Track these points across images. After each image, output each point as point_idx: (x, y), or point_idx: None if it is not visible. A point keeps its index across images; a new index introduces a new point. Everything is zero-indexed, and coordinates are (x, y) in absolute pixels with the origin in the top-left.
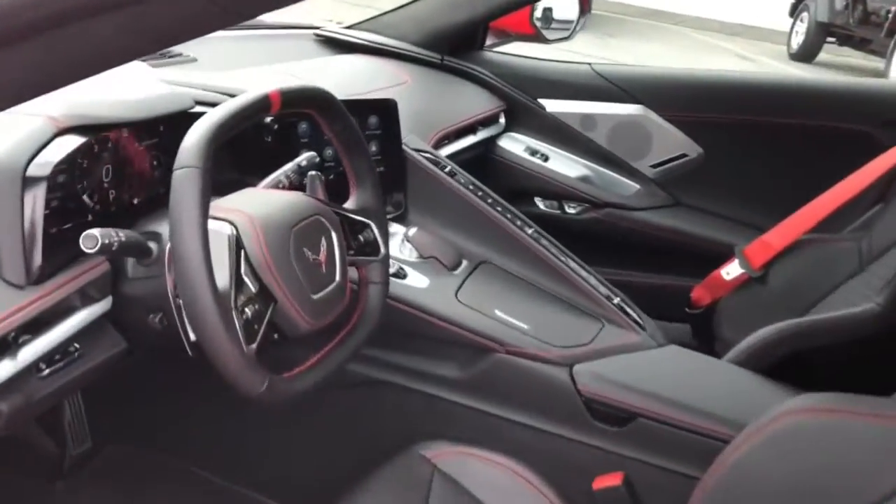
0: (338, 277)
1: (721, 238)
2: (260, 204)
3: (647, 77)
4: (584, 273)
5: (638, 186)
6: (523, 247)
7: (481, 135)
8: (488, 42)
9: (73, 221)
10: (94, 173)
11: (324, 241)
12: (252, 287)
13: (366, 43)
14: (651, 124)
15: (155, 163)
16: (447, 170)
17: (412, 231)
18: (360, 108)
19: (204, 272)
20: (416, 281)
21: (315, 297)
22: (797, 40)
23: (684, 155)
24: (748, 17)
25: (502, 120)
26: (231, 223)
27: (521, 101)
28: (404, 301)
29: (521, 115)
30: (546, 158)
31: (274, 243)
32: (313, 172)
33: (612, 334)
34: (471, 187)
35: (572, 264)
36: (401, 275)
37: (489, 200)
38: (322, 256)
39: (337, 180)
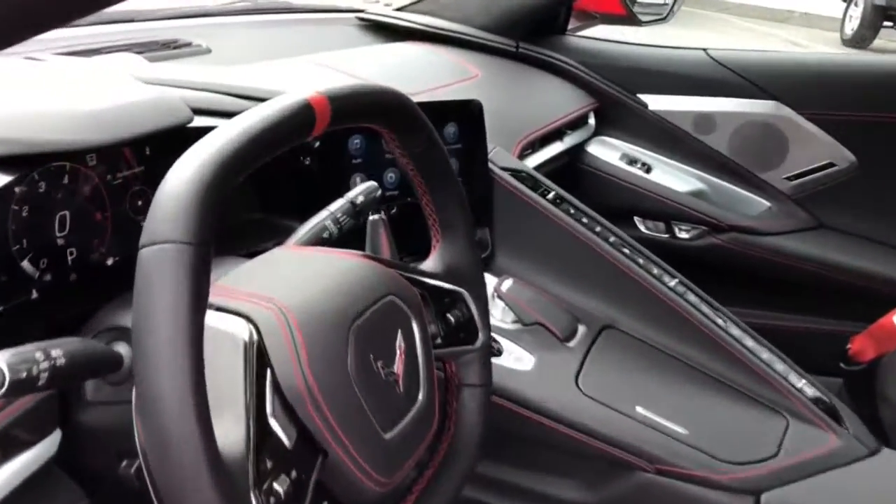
0: (422, 395)
1: (877, 270)
2: (297, 280)
3: (784, 65)
4: (750, 343)
5: (769, 204)
6: (664, 305)
7: (569, 141)
8: (570, 26)
9: (4, 304)
10: (39, 225)
11: (400, 338)
12: (286, 438)
13: (422, 28)
14: (787, 125)
15: (140, 203)
16: (550, 195)
17: (507, 284)
18: (433, 114)
19: (192, 428)
20: (517, 360)
21: (389, 436)
22: (851, 25)
23: (830, 164)
24: (794, 3)
25: (592, 121)
26: (249, 320)
27: (616, 97)
28: (503, 393)
29: (617, 115)
30: (648, 169)
31: (324, 355)
32: (375, 217)
33: (804, 437)
34: (584, 220)
35: (734, 330)
36: (494, 351)
37: (611, 239)
38: (399, 365)
39: (401, 215)
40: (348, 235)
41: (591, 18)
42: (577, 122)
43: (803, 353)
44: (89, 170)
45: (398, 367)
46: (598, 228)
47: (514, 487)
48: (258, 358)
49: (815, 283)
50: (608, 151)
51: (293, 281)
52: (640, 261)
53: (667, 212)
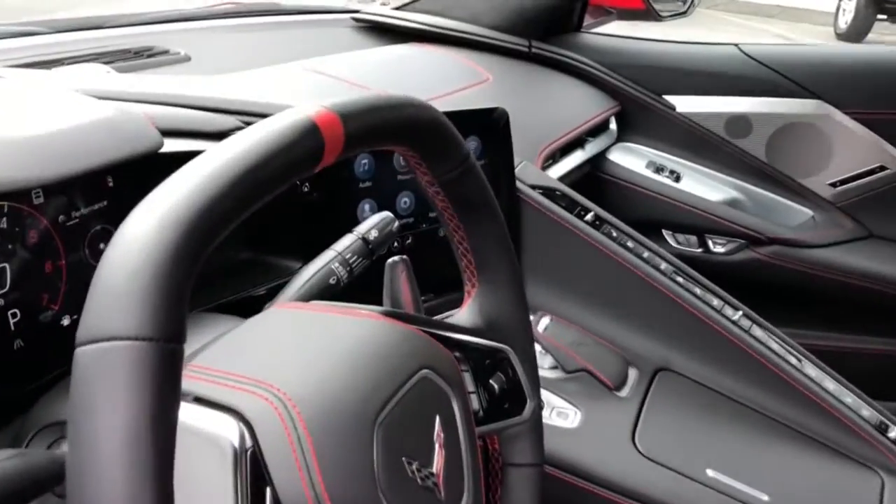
0: (467, 496)
1: None
2: (304, 357)
3: (826, 59)
4: (831, 386)
5: (812, 214)
6: (727, 342)
7: (591, 149)
8: (585, 22)
9: None
10: None
11: (439, 426)
12: None
13: (425, 28)
14: (832, 126)
15: (102, 246)
16: (588, 217)
17: (543, 323)
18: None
19: None
20: (561, 415)
21: None
22: (845, 19)
23: (880, 168)
24: None
25: (613, 126)
26: (238, 416)
27: (640, 98)
28: (551, 459)
29: (641, 119)
30: (678, 177)
31: (342, 463)
32: (396, 260)
33: None
34: (630, 245)
35: (811, 370)
36: None
37: (662, 267)
38: (438, 462)
39: (416, 246)
40: (359, 279)
41: (606, 14)
42: (598, 128)
43: (856, 377)
44: (34, 210)
45: (437, 464)
46: (646, 254)
47: None
48: (252, 469)
49: (867, 299)
50: (632, 159)
51: (297, 358)
52: (698, 291)
53: (699, 224)
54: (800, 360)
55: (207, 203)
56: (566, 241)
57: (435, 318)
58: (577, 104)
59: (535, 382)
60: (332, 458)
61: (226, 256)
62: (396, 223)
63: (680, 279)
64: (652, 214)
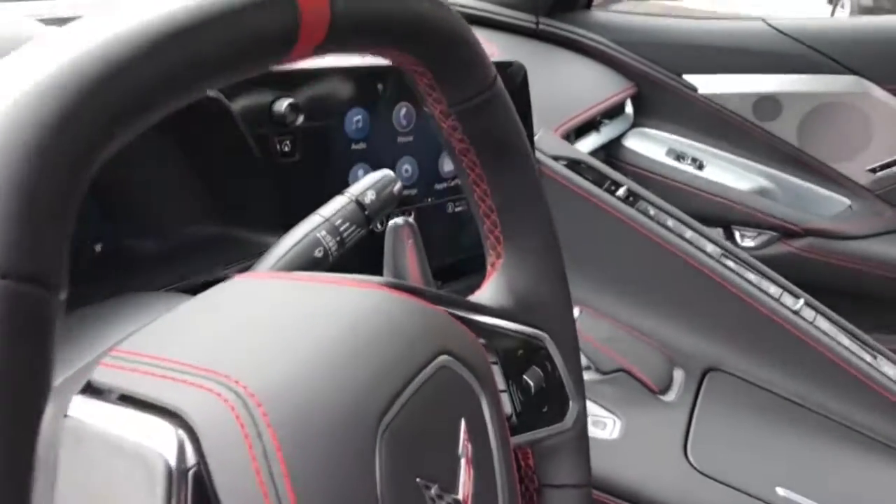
0: None
1: None
2: (272, 337)
3: (864, 32)
4: None
5: (849, 202)
6: (789, 336)
7: (607, 132)
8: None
9: None
10: None
11: (464, 433)
12: None
13: None
14: (870, 105)
15: None
16: (620, 191)
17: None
18: None
19: None
20: (598, 424)
21: None
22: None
23: None
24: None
25: (629, 109)
26: (178, 420)
27: (658, 79)
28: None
29: (659, 101)
30: (701, 165)
31: (328, 486)
32: (399, 221)
33: None
34: (670, 224)
35: (888, 369)
36: None
37: (709, 248)
38: (466, 483)
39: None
40: (353, 253)
41: None
42: (613, 112)
43: None
44: None
45: (465, 488)
46: (688, 234)
47: None
48: (196, 497)
49: None
50: (650, 145)
51: (264, 339)
52: (751, 276)
53: (726, 215)
54: (875, 357)
55: (109, 73)
56: (595, 219)
57: (452, 294)
58: (589, 84)
59: (579, 379)
60: (313, 478)
61: (189, 231)
62: (399, 184)
63: (730, 263)
64: (673, 205)
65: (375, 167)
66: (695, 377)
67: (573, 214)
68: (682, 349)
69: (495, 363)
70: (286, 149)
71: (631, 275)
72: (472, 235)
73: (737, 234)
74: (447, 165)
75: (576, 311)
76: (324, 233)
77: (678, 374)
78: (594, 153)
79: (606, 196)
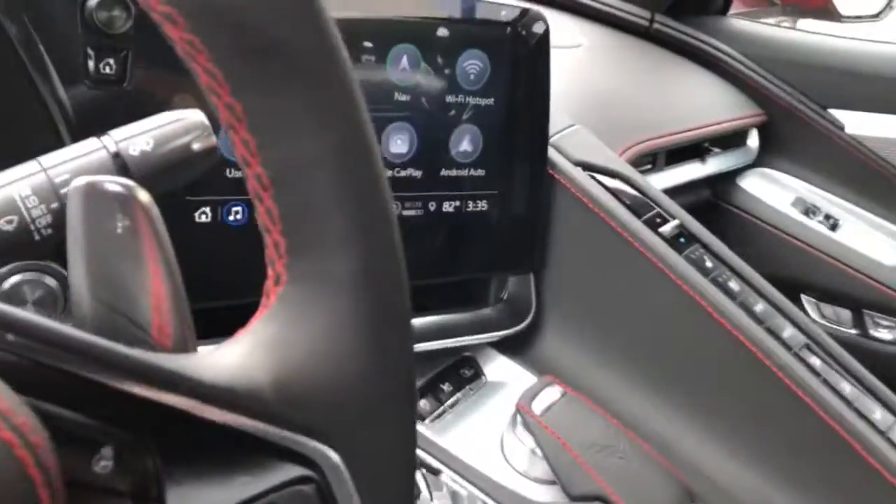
0: None
1: None
2: None
3: None
4: None
5: None
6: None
7: (715, 164)
8: (733, 10)
9: None
10: None
11: None
12: None
13: None
14: None
15: None
16: (668, 227)
17: (550, 396)
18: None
19: None
20: None
21: None
22: None
23: None
24: None
25: (753, 142)
26: None
27: (796, 109)
28: None
29: (793, 137)
30: (835, 225)
31: None
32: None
33: None
34: (732, 285)
35: None
36: None
37: (785, 334)
38: None
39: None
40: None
41: (767, 4)
42: (728, 141)
43: None
44: None
45: None
46: (759, 307)
47: None
48: None
49: None
50: (774, 191)
51: None
52: (847, 390)
53: (858, 295)
54: None
55: None
56: (615, 254)
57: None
58: (703, 101)
59: None
60: None
61: None
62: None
63: (816, 362)
64: (790, 271)
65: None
66: None
67: (588, 243)
68: (715, 483)
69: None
70: (107, 70)
71: (654, 347)
72: (418, 255)
73: (868, 321)
74: (398, 144)
75: (554, 392)
76: (27, 189)
77: None
78: (693, 186)
79: (640, 227)
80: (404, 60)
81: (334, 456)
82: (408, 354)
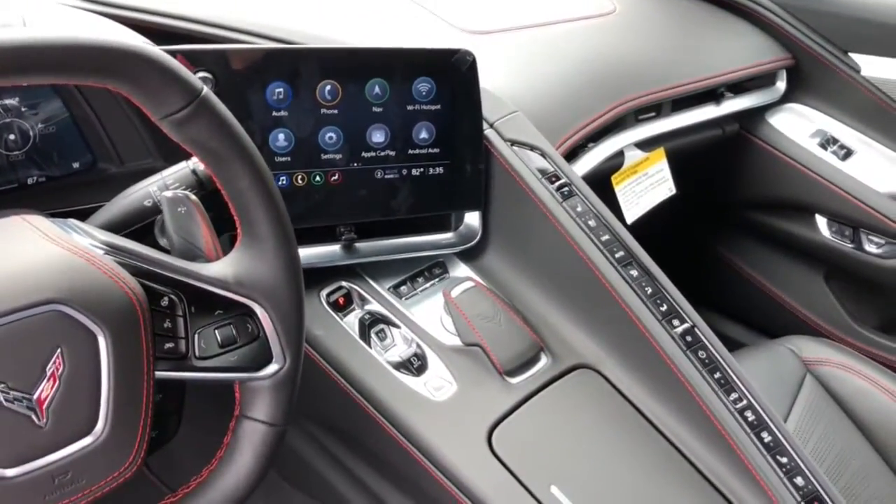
0: (102, 426)
1: None
2: None
3: None
4: (777, 433)
5: None
6: (657, 358)
7: (730, 106)
8: None
9: None
10: None
11: (58, 358)
12: None
13: None
14: None
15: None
16: (556, 184)
17: (459, 290)
18: (399, 66)
19: None
20: (436, 387)
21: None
22: None
23: None
24: None
25: (781, 83)
26: None
27: (819, 54)
28: (396, 422)
29: (817, 79)
30: (847, 154)
31: None
32: (179, 195)
33: None
34: (591, 223)
35: (749, 415)
36: (412, 366)
37: (618, 255)
38: (45, 392)
39: (347, 183)
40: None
41: None
42: (760, 82)
43: None
44: None
45: (42, 392)
46: (605, 237)
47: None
48: None
49: None
50: (798, 125)
51: None
52: (649, 290)
53: (856, 216)
54: (742, 399)
55: None
56: (526, 207)
57: (182, 262)
58: (735, 47)
59: (293, 345)
60: None
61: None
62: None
63: (634, 272)
64: (806, 196)
65: (297, 133)
66: (560, 369)
67: (512, 198)
68: (566, 342)
69: (181, 316)
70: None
71: (539, 263)
72: (398, 200)
73: (864, 238)
74: (376, 137)
75: (464, 286)
76: (155, 188)
77: (541, 363)
78: (718, 122)
79: (538, 185)
80: (377, 88)
81: (258, 307)
82: (297, 270)
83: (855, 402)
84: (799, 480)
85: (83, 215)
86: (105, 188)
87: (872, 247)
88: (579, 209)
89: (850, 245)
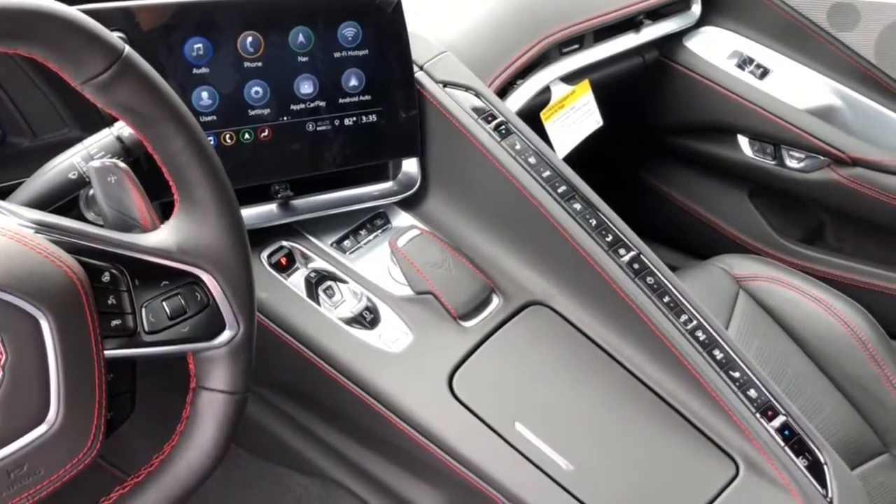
0: (55, 414)
1: None
2: None
3: None
4: (728, 349)
5: None
6: (604, 286)
7: (649, 33)
8: None
9: None
10: None
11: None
12: None
13: None
14: None
15: None
16: (492, 124)
17: (405, 238)
18: (322, 11)
19: None
20: (392, 339)
21: None
22: None
23: None
24: None
25: (697, 7)
26: None
27: None
28: (354, 377)
29: (731, 1)
30: (765, 73)
31: None
32: (109, 164)
33: (754, 498)
34: (531, 160)
35: (700, 334)
36: (365, 320)
37: (560, 189)
38: None
39: (277, 138)
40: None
41: None
42: (676, 7)
43: None
44: None
45: None
46: (546, 173)
47: (368, 474)
48: None
49: None
50: (714, 47)
51: None
52: (593, 222)
53: (777, 134)
54: (691, 321)
55: None
56: (465, 149)
57: (120, 234)
58: None
59: (245, 309)
60: None
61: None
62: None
63: (577, 206)
64: (728, 117)
65: (221, 90)
66: (512, 309)
67: (450, 141)
68: (516, 282)
69: (125, 291)
70: None
71: (482, 205)
72: (332, 152)
73: (785, 154)
74: (304, 88)
75: (411, 234)
76: (78, 159)
77: (493, 305)
78: (638, 50)
79: (475, 126)
80: (301, 36)
81: (205, 274)
82: (237, 230)
83: (786, 313)
84: (752, 393)
85: None
86: (20, 164)
87: (794, 162)
88: (518, 147)
89: (772, 162)
